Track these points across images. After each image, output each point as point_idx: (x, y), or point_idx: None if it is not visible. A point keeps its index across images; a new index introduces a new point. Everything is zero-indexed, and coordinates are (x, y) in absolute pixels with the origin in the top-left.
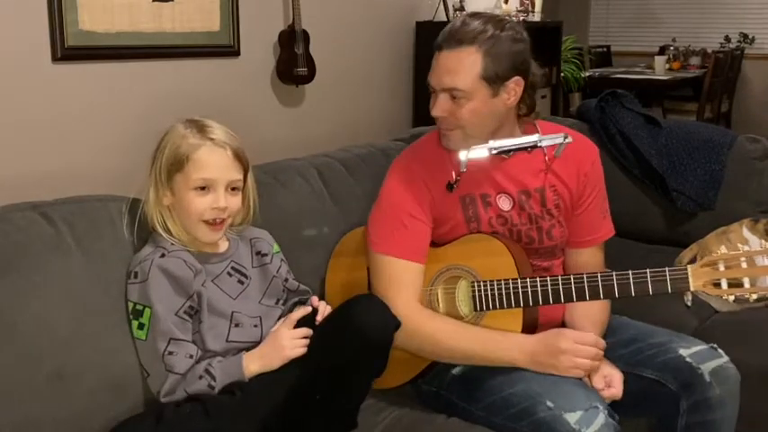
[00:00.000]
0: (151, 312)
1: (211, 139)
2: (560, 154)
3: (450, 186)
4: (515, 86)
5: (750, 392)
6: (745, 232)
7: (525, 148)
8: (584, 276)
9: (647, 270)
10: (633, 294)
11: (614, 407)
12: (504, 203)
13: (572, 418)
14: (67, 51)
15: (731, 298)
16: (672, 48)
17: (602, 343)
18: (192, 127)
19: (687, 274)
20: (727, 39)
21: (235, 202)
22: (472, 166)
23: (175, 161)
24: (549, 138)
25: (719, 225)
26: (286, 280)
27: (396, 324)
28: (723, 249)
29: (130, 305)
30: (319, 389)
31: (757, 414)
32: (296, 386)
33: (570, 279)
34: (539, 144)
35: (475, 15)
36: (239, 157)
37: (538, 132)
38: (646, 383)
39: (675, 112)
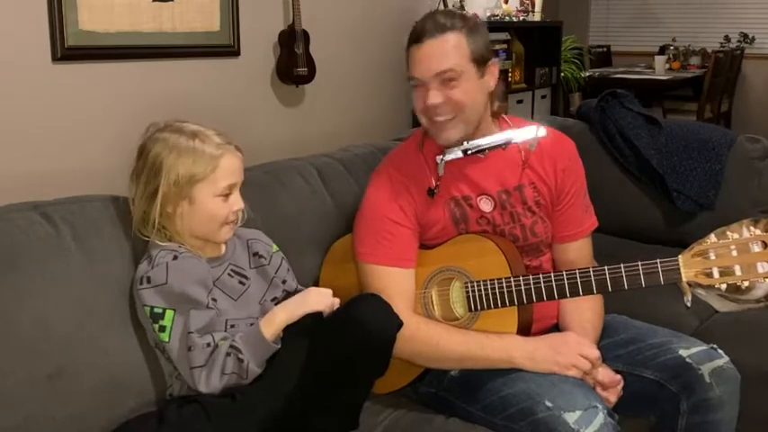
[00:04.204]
0: (174, 314)
1: (221, 145)
2: (535, 148)
3: (431, 192)
4: (494, 69)
5: (750, 393)
6: (746, 232)
7: (500, 146)
8: (577, 272)
9: (639, 262)
10: (626, 287)
11: (614, 407)
12: (486, 205)
13: (571, 417)
14: (67, 51)
15: (723, 286)
16: (672, 48)
17: (598, 353)
18: (190, 134)
19: (678, 264)
20: (727, 39)
21: (241, 201)
22: (450, 169)
23: (198, 173)
24: (523, 132)
25: (719, 225)
26: (284, 281)
27: (398, 323)
28: (713, 238)
29: (147, 310)
30: (321, 387)
31: (757, 414)
32: (297, 385)
33: (563, 275)
34: (513, 140)
35: (436, 12)
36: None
37: (510, 128)
38: (646, 384)
39: (675, 112)
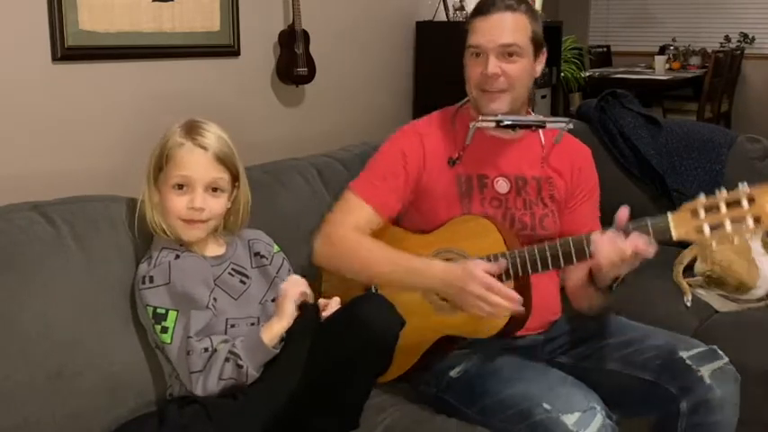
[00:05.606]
0: (177, 315)
1: (193, 139)
2: (560, 141)
3: (451, 161)
4: (543, 57)
5: (750, 393)
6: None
7: (530, 126)
8: (570, 239)
9: (630, 224)
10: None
11: (613, 408)
12: (502, 186)
13: (570, 419)
14: (67, 51)
15: (714, 243)
16: (672, 48)
17: (514, 296)
18: (184, 126)
19: (668, 223)
20: (728, 39)
21: (216, 203)
22: (474, 146)
23: (159, 159)
24: (554, 120)
25: None
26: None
27: (401, 322)
28: (702, 197)
29: (149, 310)
30: (322, 387)
31: (758, 415)
32: (298, 385)
33: (556, 243)
34: (545, 124)
35: None
36: (222, 160)
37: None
38: (645, 385)
39: (675, 112)
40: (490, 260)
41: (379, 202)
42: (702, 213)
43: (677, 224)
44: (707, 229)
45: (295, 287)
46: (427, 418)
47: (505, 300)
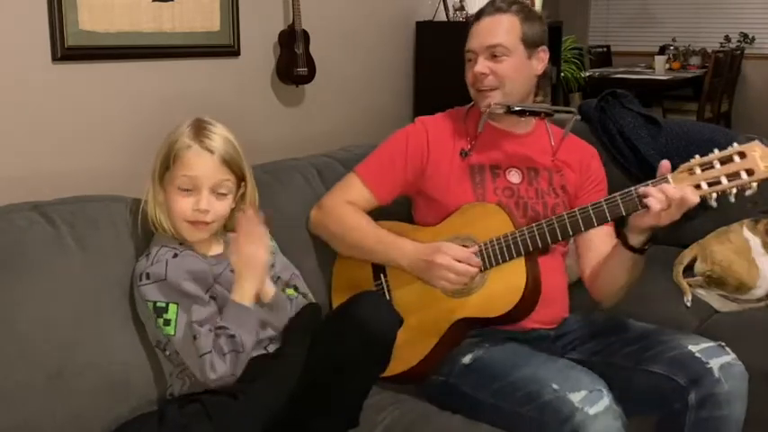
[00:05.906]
0: (177, 307)
1: (201, 142)
2: (568, 134)
3: (464, 153)
4: (543, 55)
5: (751, 393)
6: (746, 232)
7: (539, 113)
8: (576, 210)
9: (632, 188)
10: (624, 213)
11: (621, 405)
12: (514, 177)
13: (576, 397)
14: (67, 51)
15: (713, 197)
16: (672, 48)
17: (478, 261)
18: (192, 126)
19: (669, 182)
20: (728, 39)
21: (221, 206)
22: (486, 137)
23: (166, 158)
24: (562, 109)
25: (719, 225)
26: (279, 278)
27: (399, 321)
28: (697, 157)
29: (150, 305)
30: (321, 386)
31: (759, 414)
32: (298, 384)
33: (564, 215)
34: (554, 114)
35: None
36: (227, 163)
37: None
38: (654, 379)
39: (675, 112)
40: (506, 237)
41: (375, 183)
42: (698, 171)
43: (677, 182)
44: (705, 185)
45: (260, 240)
46: (429, 415)
47: (471, 266)
